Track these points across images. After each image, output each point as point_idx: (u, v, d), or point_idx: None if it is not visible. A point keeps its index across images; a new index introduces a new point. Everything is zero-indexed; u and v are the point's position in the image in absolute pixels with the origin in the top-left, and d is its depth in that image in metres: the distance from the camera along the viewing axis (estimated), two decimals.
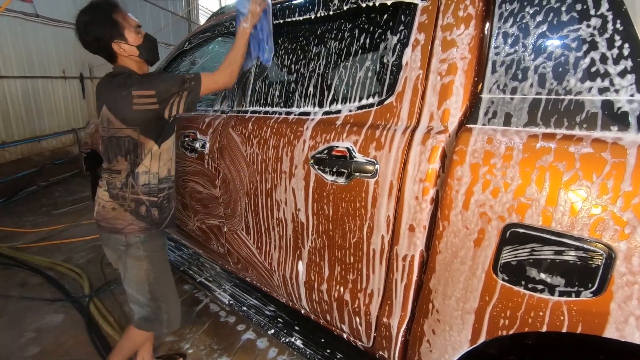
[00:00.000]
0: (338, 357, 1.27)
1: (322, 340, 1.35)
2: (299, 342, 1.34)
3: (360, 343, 1.16)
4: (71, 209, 3.68)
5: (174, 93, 1.18)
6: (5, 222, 3.27)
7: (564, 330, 0.69)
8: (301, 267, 1.26)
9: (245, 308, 1.55)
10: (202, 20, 12.06)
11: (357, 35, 1.14)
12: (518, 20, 0.79)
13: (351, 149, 1.01)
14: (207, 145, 1.52)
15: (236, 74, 1.31)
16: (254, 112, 1.40)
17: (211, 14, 2.07)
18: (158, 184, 1.29)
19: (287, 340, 1.36)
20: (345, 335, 1.21)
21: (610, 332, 0.64)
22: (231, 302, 1.60)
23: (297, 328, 1.42)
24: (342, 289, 1.14)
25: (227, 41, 1.66)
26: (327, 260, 1.17)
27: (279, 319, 1.47)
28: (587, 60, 0.71)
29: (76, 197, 4.09)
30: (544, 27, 0.76)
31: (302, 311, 1.34)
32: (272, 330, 1.41)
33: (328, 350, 1.30)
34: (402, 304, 0.99)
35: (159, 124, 1.22)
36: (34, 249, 2.76)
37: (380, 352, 1.11)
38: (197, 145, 1.56)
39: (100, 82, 1.25)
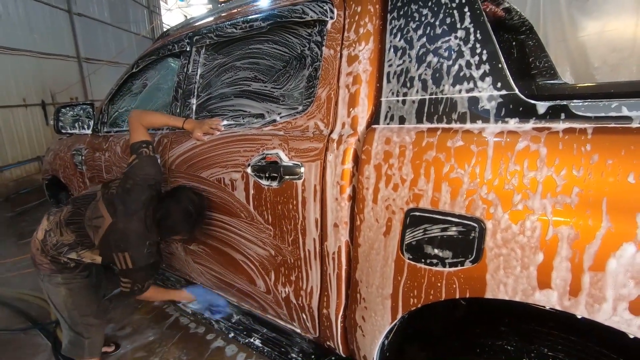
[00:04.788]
0: (295, 351, 1.35)
1: (281, 338, 1.43)
2: (257, 342, 1.42)
3: (310, 336, 1.25)
4: None
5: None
6: None
7: (457, 296, 0.80)
8: (253, 273, 1.34)
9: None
10: None
11: (280, 52, 1.24)
12: (404, 34, 0.91)
13: (280, 154, 1.11)
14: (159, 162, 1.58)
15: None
16: None
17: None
18: None
19: (247, 340, 1.43)
20: (298, 330, 1.29)
21: (489, 294, 0.76)
22: (195, 311, 1.65)
23: (257, 329, 1.49)
24: (287, 289, 1.22)
25: (171, 62, 1.74)
26: (274, 263, 1.25)
27: (241, 323, 1.54)
28: (457, 66, 0.83)
29: None
30: (424, 40, 0.88)
31: (260, 312, 1.41)
32: (232, 334, 1.48)
33: (286, 346, 1.38)
34: (337, 294, 1.08)
35: None
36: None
37: (327, 342, 1.19)
38: None
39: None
